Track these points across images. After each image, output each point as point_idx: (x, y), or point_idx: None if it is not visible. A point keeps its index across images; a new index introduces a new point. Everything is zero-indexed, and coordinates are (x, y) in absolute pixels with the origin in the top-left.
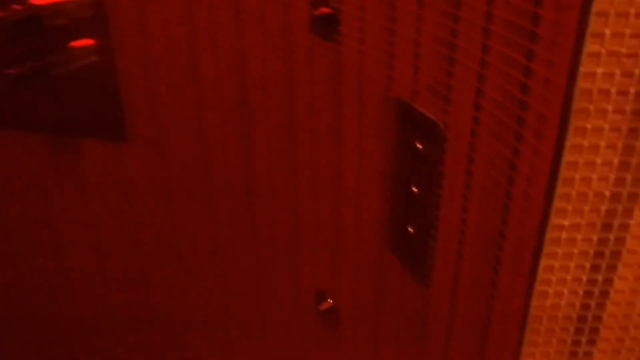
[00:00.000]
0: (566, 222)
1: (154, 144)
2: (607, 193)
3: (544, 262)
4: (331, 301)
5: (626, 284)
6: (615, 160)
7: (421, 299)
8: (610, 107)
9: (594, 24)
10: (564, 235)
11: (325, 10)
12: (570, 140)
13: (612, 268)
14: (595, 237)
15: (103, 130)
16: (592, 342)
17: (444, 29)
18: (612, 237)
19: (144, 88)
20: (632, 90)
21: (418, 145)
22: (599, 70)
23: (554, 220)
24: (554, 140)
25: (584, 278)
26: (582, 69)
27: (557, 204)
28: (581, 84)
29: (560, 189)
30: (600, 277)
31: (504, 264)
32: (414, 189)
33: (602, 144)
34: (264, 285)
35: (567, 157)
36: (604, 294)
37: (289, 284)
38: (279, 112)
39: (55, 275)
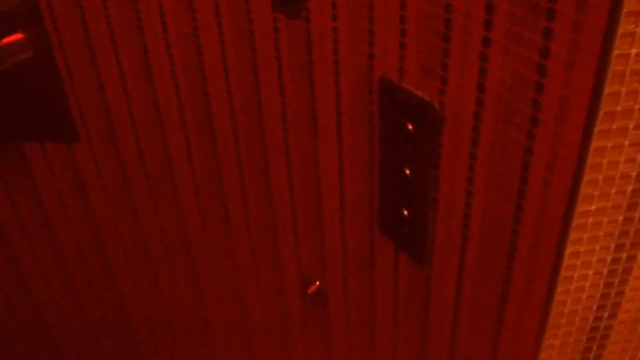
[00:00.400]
0: (592, 207)
1: (109, 142)
2: (634, 173)
3: (569, 249)
4: (318, 283)
5: None
6: None
7: (422, 282)
8: None
9: (628, 3)
10: (590, 220)
11: None
12: (600, 125)
13: (636, 245)
14: (620, 218)
15: (53, 132)
16: (613, 316)
17: (435, 2)
18: (637, 215)
19: (91, 82)
20: None
21: (409, 126)
22: (633, 51)
23: (581, 207)
24: (581, 126)
25: (609, 258)
26: (616, 51)
27: (584, 190)
28: (614, 67)
29: (587, 176)
30: (624, 255)
31: (520, 249)
32: (407, 171)
33: (631, 125)
34: (243, 276)
35: (595, 142)
36: (627, 270)
37: (270, 272)
38: (245, 98)
39: (12, 283)
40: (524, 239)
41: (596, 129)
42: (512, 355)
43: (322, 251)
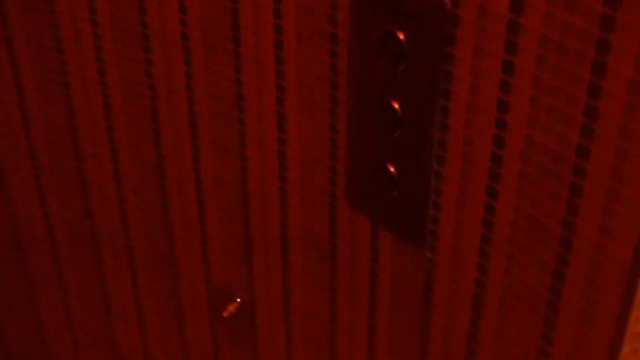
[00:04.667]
0: None
1: None
2: None
3: None
4: (239, 300)
5: None
6: None
7: (420, 273)
8: None
9: None
10: None
11: None
12: None
13: None
14: None
15: None
16: None
17: None
18: None
19: None
20: None
21: (400, 37)
22: None
23: None
24: None
25: None
26: None
27: None
28: None
29: None
30: None
31: (584, 201)
32: (395, 106)
33: None
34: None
35: None
36: None
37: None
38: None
39: None
40: (590, 189)
41: None
42: None
43: (248, 251)
